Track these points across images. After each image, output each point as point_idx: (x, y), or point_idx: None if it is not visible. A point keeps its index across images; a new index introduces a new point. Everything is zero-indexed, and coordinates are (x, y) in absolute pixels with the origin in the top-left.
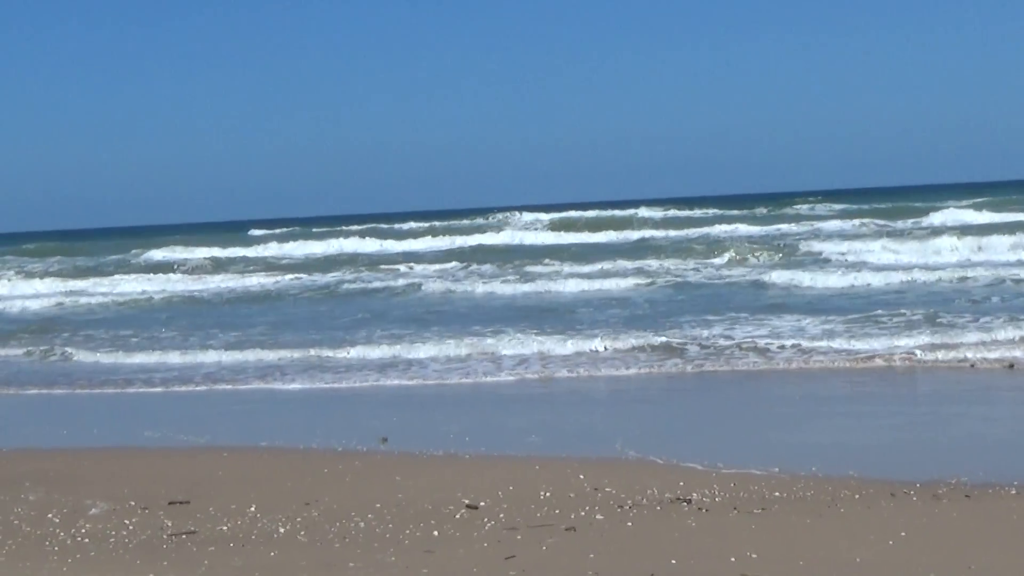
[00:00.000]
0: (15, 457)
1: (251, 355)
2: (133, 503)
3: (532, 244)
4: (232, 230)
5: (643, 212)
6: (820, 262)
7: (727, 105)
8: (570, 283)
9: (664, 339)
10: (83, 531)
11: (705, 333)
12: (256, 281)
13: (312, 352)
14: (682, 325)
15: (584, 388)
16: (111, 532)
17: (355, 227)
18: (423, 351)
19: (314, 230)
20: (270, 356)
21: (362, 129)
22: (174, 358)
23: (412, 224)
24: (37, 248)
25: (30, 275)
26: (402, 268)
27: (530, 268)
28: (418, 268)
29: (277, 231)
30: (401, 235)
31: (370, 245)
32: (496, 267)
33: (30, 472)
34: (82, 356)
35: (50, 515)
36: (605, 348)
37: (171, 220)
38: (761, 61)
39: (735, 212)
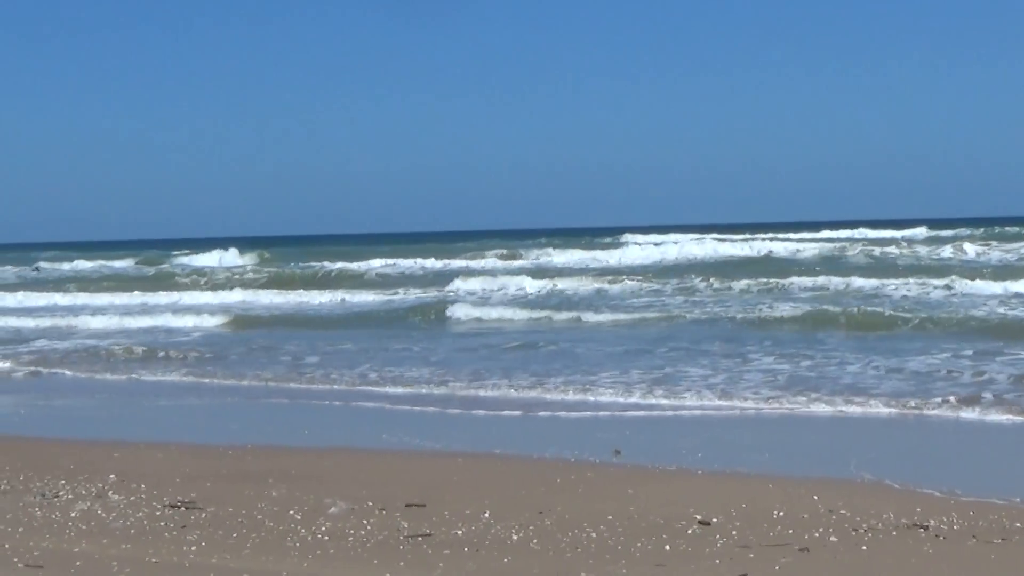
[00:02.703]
0: (261, 454)
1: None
2: (371, 504)
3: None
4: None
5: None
6: None
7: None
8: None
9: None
10: (323, 529)
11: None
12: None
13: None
14: (928, 351)
15: (815, 410)
16: (350, 531)
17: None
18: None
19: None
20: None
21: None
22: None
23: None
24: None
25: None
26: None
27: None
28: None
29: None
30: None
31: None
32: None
33: (275, 469)
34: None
35: (292, 512)
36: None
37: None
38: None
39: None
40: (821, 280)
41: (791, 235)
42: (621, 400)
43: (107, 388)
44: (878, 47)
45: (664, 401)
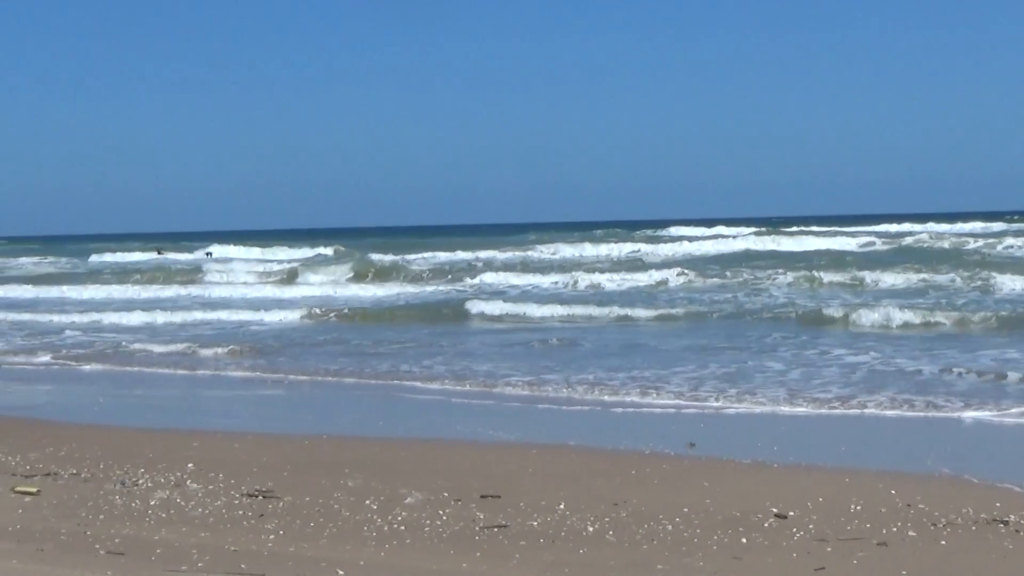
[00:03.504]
0: (337, 444)
1: None
2: (447, 494)
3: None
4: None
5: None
6: None
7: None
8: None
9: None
10: (399, 519)
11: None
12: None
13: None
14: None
15: (891, 407)
16: (426, 521)
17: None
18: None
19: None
20: None
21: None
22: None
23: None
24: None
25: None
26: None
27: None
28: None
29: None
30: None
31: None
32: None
33: (350, 459)
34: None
35: (368, 501)
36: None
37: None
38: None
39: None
40: (887, 275)
41: (858, 228)
42: (694, 394)
43: (183, 380)
44: (930, 43)
45: (737, 399)
